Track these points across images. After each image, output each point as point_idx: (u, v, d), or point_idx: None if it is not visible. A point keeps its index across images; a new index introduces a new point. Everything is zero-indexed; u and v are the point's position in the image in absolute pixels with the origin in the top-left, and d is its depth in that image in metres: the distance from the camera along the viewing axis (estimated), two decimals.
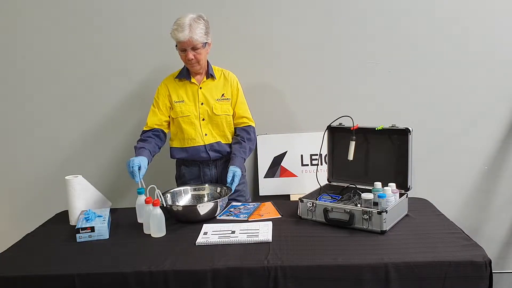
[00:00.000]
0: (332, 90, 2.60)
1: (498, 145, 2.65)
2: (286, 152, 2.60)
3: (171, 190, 2.08)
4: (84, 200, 1.98)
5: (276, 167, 2.59)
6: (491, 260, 1.48)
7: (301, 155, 2.61)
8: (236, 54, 2.53)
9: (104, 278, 1.49)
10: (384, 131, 2.02)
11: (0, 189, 2.77)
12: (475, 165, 2.68)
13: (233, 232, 1.75)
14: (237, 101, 2.23)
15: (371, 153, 2.08)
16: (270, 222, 1.84)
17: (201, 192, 2.14)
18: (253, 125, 2.27)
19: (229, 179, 2.05)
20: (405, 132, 1.96)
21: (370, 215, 1.70)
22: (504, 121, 2.62)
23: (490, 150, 2.66)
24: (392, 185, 1.85)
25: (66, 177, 1.98)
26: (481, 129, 2.63)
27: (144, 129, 2.22)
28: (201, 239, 1.69)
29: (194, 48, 2.05)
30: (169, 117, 2.23)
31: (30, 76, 2.65)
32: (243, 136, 2.22)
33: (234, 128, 2.26)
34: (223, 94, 2.20)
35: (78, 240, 1.75)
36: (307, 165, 2.61)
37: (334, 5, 2.53)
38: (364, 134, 2.09)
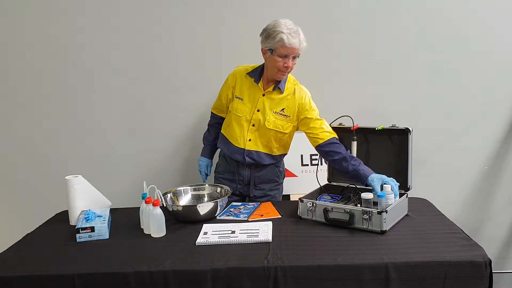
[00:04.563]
0: (332, 90, 2.60)
1: (498, 145, 2.65)
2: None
3: (171, 190, 2.08)
4: (84, 200, 1.97)
5: None
6: (491, 260, 1.48)
7: (301, 155, 2.61)
8: (235, 53, 2.53)
9: (104, 278, 1.49)
10: (384, 131, 2.03)
11: (0, 189, 2.77)
12: (475, 165, 2.68)
13: (233, 232, 1.75)
14: (313, 117, 2.08)
15: (371, 153, 2.08)
16: (270, 222, 1.84)
17: (201, 192, 2.14)
18: (337, 137, 2.07)
19: (379, 189, 1.82)
20: (405, 132, 1.96)
21: (370, 215, 1.70)
22: (504, 121, 2.62)
23: (490, 150, 2.66)
24: None
25: (66, 177, 1.98)
26: (481, 129, 2.63)
27: (211, 110, 2.37)
28: (201, 239, 1.69)
29: (295, 57, 1.99)
30: (228, 107, 2.24)
31: (30, 76, 2.65)
32: (342, 151, 2.00)
33: (326, 144, 2.03)
34: (283, 109, 2.10)
35: (78, 240, 1.74)
36: (307, 165, 2.61)
37: (334, 5, 2.53)
38: (364, 134, 2.09)
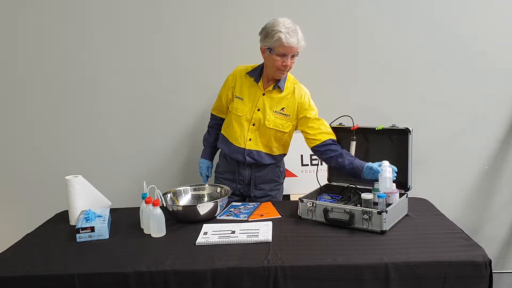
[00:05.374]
0: (332, 90, 2.60)
1: (498, 145, 2.65)
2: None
3: (171, 190, 2.08)
4: (84, 200, 1.97)
5: None
6: (491, 260, 1.48)
7: (301, 155, 2.61)
8: (235, 53, 2.53)
9: (104, 278, 1.49)
10: (384, 131, 2.03)
11: (0, 189, 2.77)
12: (475, 165, 2.68)
13: (233, 232, 1.75)
14: (311, 117, 2.09)
15: (371, 153, 2.08)
16: (270, 222, 1.84)
17: (201, 192, 2.14)
18: (334, 137, 2.08)
19: (377, 166, 1.86)
20: (405, 132, 1.96)
21: (370, 215, 1.70)
22: (504, 121, 2.62)
23: (490, 150, 2.66)
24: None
25: (66, 177, 1.98)
26: (481, 129, 2.63)
27: (211, 112, 2.37)
28: (201, 239, 1.69)
29: (293, 56, 2.00)
30: (228, 107, 2.24)
31: (30, 76, 2.64)
32: (338, 149, 2.03)
33: (322, 145, 2.05)
34: (283, 108, 2.11)
35: (78, 240, 1.75)
36: (307, 165, 2.61)
37: (334, 5, 2.53)
38: (364, 134, 2.09)
